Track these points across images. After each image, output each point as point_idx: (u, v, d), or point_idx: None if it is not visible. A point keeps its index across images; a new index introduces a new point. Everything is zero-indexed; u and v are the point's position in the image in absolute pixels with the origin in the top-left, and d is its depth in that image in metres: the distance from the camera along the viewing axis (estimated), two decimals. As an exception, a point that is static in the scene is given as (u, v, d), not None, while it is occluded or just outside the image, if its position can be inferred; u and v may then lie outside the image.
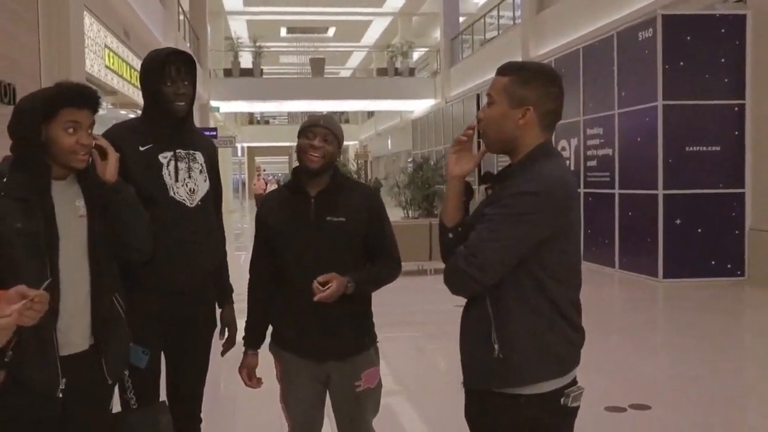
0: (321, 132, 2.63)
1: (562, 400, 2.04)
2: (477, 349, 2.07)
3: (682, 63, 9.74)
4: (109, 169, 2.38)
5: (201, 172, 2.83)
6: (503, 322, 2.01)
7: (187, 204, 2.75)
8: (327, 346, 2.67)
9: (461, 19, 24.04)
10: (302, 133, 2.67)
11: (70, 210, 2.33)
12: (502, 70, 2.10)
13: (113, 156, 2.41)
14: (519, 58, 15.25)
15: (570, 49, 12.66)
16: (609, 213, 11.13)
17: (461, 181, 2.17)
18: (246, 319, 2.86)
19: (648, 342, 6.99)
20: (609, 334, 7.29)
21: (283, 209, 2.72)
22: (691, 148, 9.82)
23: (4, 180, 2.22)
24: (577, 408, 2.10)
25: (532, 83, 2.06)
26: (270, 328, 2.85)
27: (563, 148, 12.83)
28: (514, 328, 2.00)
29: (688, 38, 9.75)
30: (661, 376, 5.83)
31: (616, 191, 10.97)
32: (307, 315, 2.64)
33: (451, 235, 2.18)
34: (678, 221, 9.83)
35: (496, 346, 2.01)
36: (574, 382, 2.09)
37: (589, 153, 11.85)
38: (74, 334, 2.32)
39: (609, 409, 4.73)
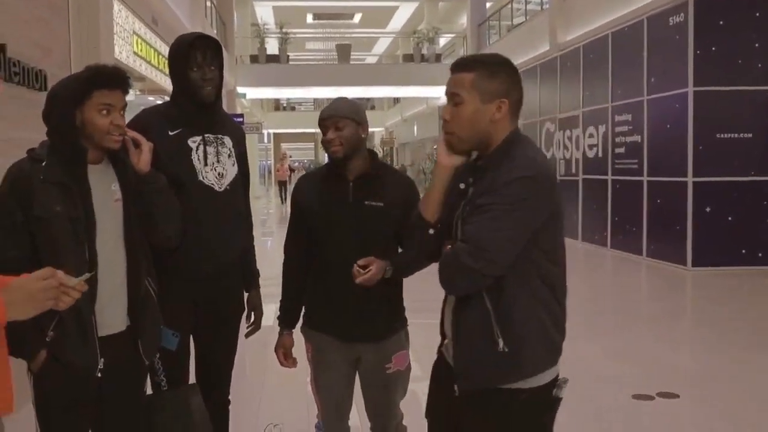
0: (330, 123, 2.64)
1: (554, 391, 2.01)
2: (477, 346, 1.99)
3: (714, 48, 9.58)
4: (143, 159, 2.41)
5: (229, 156, 2.85)
6: (504, 314, 1.95)
7: (216, 188, 2.77)
8: (360, 328, 2.69)
9: (488, 4, 23.82)
10: (321, 126, 2.70)
11: (106, 194, 2.37)
12: (463, 67, 2.03)
13: (146, 146, 2.43)
14: (546, 45, 15.12)
15: (599, 34, 12.50)
16: (637, 200, 11.03)
17: (450, 171, 2.09)
18: (280, 299, 2.88)
19: (676, 331, 6.93)
20: (637, 323, 7.24)
21: (321, 190, 2.73)
22: (722, 135, 9.67)
23: (43, 164, 2.27)
24: (561, 400, 2.06)
25: (500, 75, 2.01)
26: (303, 309, 2.88)
27: (591, 135, 12.72)
28: (517, 318, 1.94)
29: (721, 23, 9.59)
30: (690, 365, 5.78)
31: (645, 178, 10.86)
32: (341, 296, 2.66)
33: (431, 231, 2.10)
34: (708, 209, 9.70)
35: (500, 341, 1.94)
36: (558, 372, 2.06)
37: (617, 140, 11.73)
38: (112, 315, 2.37)
39: (636, 397, 4.71)
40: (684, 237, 9.84)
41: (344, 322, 2.70)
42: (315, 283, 2.77)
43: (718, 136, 9.68)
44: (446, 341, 2.21)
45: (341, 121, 2.62)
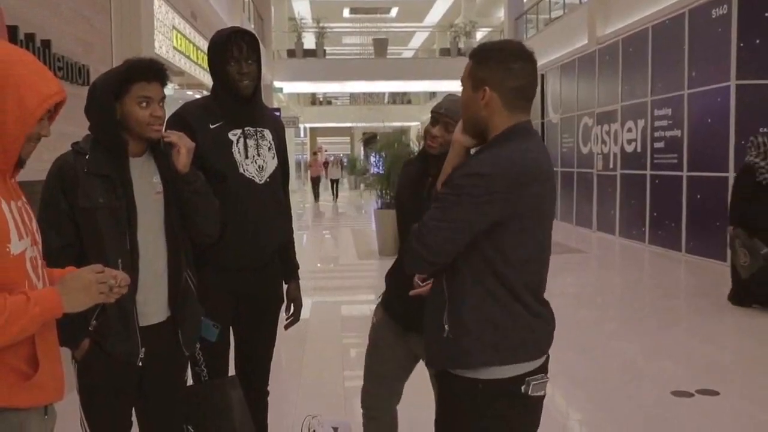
0: (443, 120, 2.62)
1: (522, 387, 1.99)
2: (431, 329, 2.08)
3: (758, 41, 9.38)
4: (181, 160, 2.44)
5: (269, 149, 2.88)
6: (456, 304, 1.99)
7: (257, 181, 2.81)
8: (410, 317, 2.71)
9: (525, -3, 23.65)
10: (431, 115, 2.72)
11: (147, 186, 2.41)
12: (470, 54, 2.06)
13: (185, 148, 2.46)
14: (585, 38, 14.94)
15: (638, 28, 12.32)
16: (676, 196, 10.86)
17: (460, 148, 2.08)
18: None
19: (716, 327, 6.82)
20: (675, 319, 7.15)
21: (409, 181, 2.83)
22: (765, 130, 9.47)
23: (87, 157, 2.33)
24: (541, 397, 2.04)
25: (488, 63, 1.99)
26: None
27: (629, 129, 12.55)
28: (466, 310, 1.97)
29: (766, 14, 9.39)
30: (730, 362, 5.70)
31: (684, 173, 10.69)
32: (399, 282, 2.71)
33: None
34: (749, 205, 9.50)
35: (446, 327, 2.00)
36: (538, 370, 2.02)
37: (656, 134, 11.55)
38: (153, 305, 2.41)
39: (675, 394, 4.65)
40: (724, 233, 9.65)
41: (401, 309, 2.77)
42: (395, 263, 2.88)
43: (761, 130, 9.46)
44: None
45: (452, 125, 2.55)
